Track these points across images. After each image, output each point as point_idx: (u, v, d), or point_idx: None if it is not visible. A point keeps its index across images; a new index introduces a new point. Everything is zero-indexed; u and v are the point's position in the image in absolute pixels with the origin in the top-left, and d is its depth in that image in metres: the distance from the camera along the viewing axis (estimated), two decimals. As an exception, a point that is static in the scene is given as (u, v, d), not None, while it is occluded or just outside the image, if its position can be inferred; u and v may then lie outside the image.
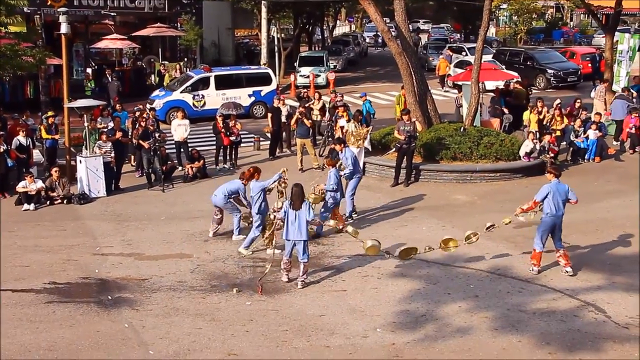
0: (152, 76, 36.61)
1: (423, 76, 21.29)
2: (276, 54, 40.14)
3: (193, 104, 28.86)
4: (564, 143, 21.26)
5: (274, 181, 14.01)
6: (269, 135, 23.11)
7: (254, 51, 48.44)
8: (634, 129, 21.38)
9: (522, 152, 19.36)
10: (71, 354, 9.93)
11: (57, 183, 18.12)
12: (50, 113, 21.50)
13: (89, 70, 34.25)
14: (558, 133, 20.42)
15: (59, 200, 17.96)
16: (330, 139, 21.85)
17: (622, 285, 11.87)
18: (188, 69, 35.98)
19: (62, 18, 19.68)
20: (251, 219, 14.28)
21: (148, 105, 26.35)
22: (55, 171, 18.26)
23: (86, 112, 19.18)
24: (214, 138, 21.72)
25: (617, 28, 28.87)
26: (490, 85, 30.41)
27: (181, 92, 29.13)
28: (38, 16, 32.61)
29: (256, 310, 11.22)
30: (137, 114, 21.77)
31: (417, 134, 18.43)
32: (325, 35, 59.76)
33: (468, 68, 26.86)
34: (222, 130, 21.08)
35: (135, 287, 12.30)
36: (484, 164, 18.98)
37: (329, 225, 14.06)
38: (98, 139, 19.17)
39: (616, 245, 13.77)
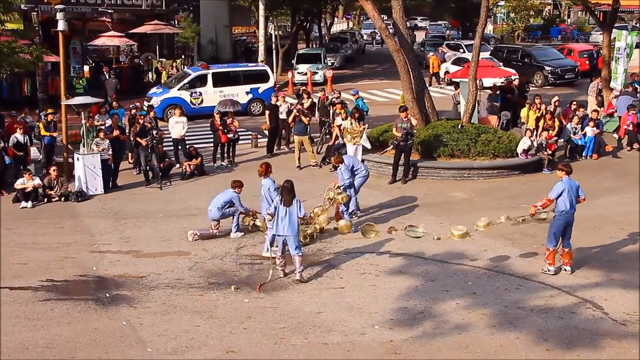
0: (150, 74, 36.56)
1: (421, 73, 21.29)
2: (274, 51, 40.11)
3: (190, 102, 28.84)
4: (562, 140, 21.29)
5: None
6: (266, 132, 23.10)
7: (251, 48, 48.40)
8: (631, 125, 21.41)
9: (519, 149, 19.37)
10: (69, 351, 9.92)
11: (55, 181, 18.10)
12: (49, 110, 21.48)
13: (86, 68, 34.22)
14: (552, 133, 20.38)
15: (57, 198, 17.94)
16: (327, 136, 21.86)
17: (619, 282, 11.89)
18: (185, 67, 35.94)
19: (59, 15, 19.64)
20: (251, 220, 14.33)
21: (146, 103, 26.33)
22: (54, 170, 18.24)
23: (84, 110, 19.14)
24: (212, 135, 21.71)
25: (615, 25, 28.89)
26: (487, 82, 30.42)
27: (179, 90, 29.11)
28: (35, 13, 32.56)
29: (254, 308, 11.22)
30: (134, 111, 21.75)
31: (414, 131, 18.41)
32: (323, 33, 59.74)
33: (465, 65, 26.87)
34: (220, 127, 21.06)
35: (133, 284, 12.29)
36: (481, 161, 18.99)
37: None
38: (96, 136, 19.14)
39: (614, 242, 13.78)
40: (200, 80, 29.54)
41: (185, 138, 21.25)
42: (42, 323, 10.79)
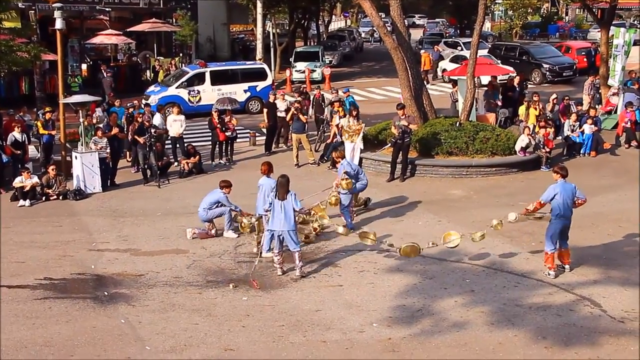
0: (148, 72, 36.54)
1: (419, 71, 21.32)
2: (272, 49, 40.11)
3: (188, 100, 28.84)
4: (560, 138, 21.31)
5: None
6: (264, 130, 23.10)
7: (249, 46, 48.40)
8: (629, 123, 21.43)
9: (517, 147, 19.38)
10: (67, 349, 9.92)
11: (53, 180, 18.09)
12: (47, 109, 21.46)
13: (84, 66, 34.21)
14: (549, 130, 20.36)
15: (55, 196, 17.93)
16: (325, 133, 21.88)
17: (617, 279, 11.90)
18: (183, 65, 35.93)
19: (57, 13, 19.62)
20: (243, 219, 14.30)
21: (143, 101, 26.32)
22: (52, 169, 18.23)
23: (82, 108, 19.13)
24: (210, 133, 21.70)
25: (613, 22, 28.87)
26: (485, 80, 30.41)
27: (176, 88, 29.12)
28: (33, 12, 32.55)
29: (252, 306, 11.22)
30: (131, 110, 21.75)
31: (409, 129, 18.28)
32: (321, 30, 59.73)
33: (463, 63, 26.88)
34: (218, 125, 21.07)
35: (131, 282, 12.29)
36: (479, 159, 19.00)
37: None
38: (94, 134, 19.14)
39: (612, 239, 13.80)
40: (198, 79, 29.56)
41: (184, 136, 21.25)
42: (40, 321, 10.79)
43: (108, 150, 18.95)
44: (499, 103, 23.80)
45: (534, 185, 17.48)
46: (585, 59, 36.84)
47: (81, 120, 18.94)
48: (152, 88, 30.30)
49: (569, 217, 11.86)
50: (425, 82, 34.96)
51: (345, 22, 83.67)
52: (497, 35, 58.90)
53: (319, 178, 18.02)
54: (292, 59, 39.99)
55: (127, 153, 21.25)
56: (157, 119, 21.21)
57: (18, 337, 10.24)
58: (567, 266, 12.16)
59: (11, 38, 22.02)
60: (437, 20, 74.37)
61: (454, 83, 25.06)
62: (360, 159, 19.16)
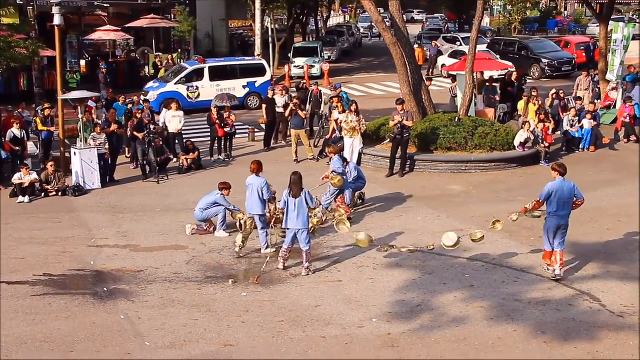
0: (147, 68, 36.50)
1: (417, 66, 21.27)
2: (270, 45, 40.05)
3: (187, 96, 28.80)
4: (559, 132, 21.31)
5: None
6: (263, 126, 23.08)
7: (248, 42, 48.35)
8: (628, 118, 21.44)
9: (516, 142, 19.37)
10: (67, 345, 9.92)
11: (52, 176, 18.08)
12: (46, 105, 21.43)
13: (82, 62, 34.15)
14: (548, 125, 20.35)
15: (54, 193, 17.93)
16: (323, 129, 21.88)
17: (616, 274, 11.91)
18: (182, 61, 35.88)
19: (55, 9, 19.59)
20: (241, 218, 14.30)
21: (142, 97, 26.30)
22: (51, 165, 18.23)
23: (80, 104, 19.11)
24: (209, 129, 21.69)
25: (612, 17, 28.86)
26: (485, 75, 30.38)
27: (175, 84, 29.08)
28: (31, 8, 32.40)
29: (252, 301, 11.23)
30: (130, 106, 21.73)
31: (404, 122, 18.16)
32: (320, 26, 59.64)
33: (462, 58, 26.86)
34: (217, 121, 21.05)
35: (131, 278, 12.29)
36: (478, 154, 18.99)
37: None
38: (92, 131, 19.12)
39: (611, 234, 13.81)
40: (197, 75, 29.54)
41: (182, 132, 21.23)
42: (40, 317, 10.79)
43: (107, 147, 18.94)
44: (497, 98, 23.80)
45: (533, 181, 17.49)
46: (584, 54, 36.80)
47: (80, 116, 18.92)
48: (150, 84, 30.27)
49: (565, 217, 11.49)
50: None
51: (344, 17, 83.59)
52: (496, 30, 58.87)
53: (318, 174, 17.95)
54: (290, 55, 39.95)
55: (126, 149, 21.24)
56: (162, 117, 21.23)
57: (18, 334, 10.25)
58: (558, 270, 11.61)
59: (9, 34, 21.96)
60: (436, 15, 74.32)
61: (453, 78, 25.04)
62: (360, 155, 19.16)
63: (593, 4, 30.16)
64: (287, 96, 22.94)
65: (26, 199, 17.46)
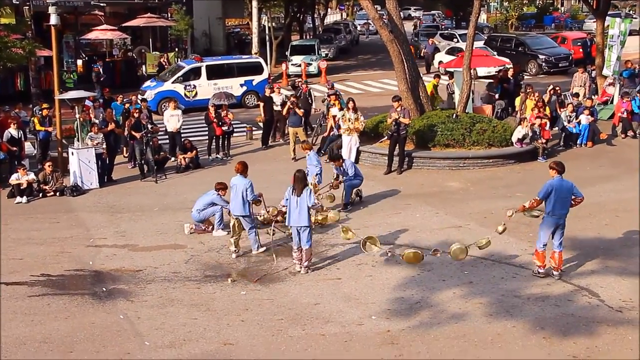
0: (144, 67, 36.47)
1: (414, 63, 21.26)
2: (267, 43, 40.03)
3: (185, 95, 28.79)
4: (556, 128, 21.32)
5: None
6: (261, 124, 23.07)
7: (245, 40, 48.30)
8: (625, 113, 21.45)
9: (514, 138, 19.38)
10: (66, 346, 9.92)
11: (50, 177, 18.07)
12: (44, 105, 21.41)
13: (79, 62, 34.09)
14: (545, 121, 20.38)
15: (52, 193, 17.91)
16: (321, 127, 21.87)
17: (615, 269, 11.92)
18: (179, 59, 35.85)
19: (51, 9, 19.57)
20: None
21: (139, 96, 26.29)
22: (49, 165, 18.21)
23: (77, 104, 19.09)
24: (206, 128, 21.67)
25: (608, 13, 28.86)
26: (482, 71, 30.42)
27: (172, 83, 29.06)
28: (27, 7, 32.37)
29: (251, 300, 11.23)
30: (127, 105, 21.71)
31: (400, 119, 18.15)
32: (317, 24, 59.61)
33: (459, 55, 26.86)
34: (214, 120, 21.04)
35: (129, 278, 12.29)
36: (476, 151, 19.00)
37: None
38: (90, 130, 19.10)
39: (609, 229, 13.82)
40: (194, 73, 29.53)
41: (181, 131, 21.20)
42: (39, 318, 10.78)
43: (104, 146, 18.93)
44: (497, 96, 23.81)
45: (531, 177, 17.51)
46: (581, 50, 36.85)
47: (77, 116, 18.90)
48: (148, 83, 30.26)
49: (562, 216, 11.32)
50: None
51: (341, 15, 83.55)
52: (493, 26, 58.87)
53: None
54: (288, 53, 39.92)
55: (124, 149, 21.22)
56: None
57: (17, 334, 10.24)
58: (555, 273, 11.52)
59: (6, 34, 21.94)
60: (432, 12, 74.33)
61: (450, 75, 25.03)
62: (358, 152, 19.16)
63: (589, 0, 30.08)
64: (283, 95, 22.92)
65: (24, 199, 17.44)
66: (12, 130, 19.38)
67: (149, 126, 19.60)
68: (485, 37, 41.77)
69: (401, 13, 22.45)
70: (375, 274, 12.06)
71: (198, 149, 20.70)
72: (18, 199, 17.45)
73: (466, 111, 20.77)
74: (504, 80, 24.77)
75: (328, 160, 19.02)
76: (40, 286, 12.05)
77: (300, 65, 36.96)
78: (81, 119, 18.98)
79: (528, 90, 21.85)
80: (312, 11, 56.45)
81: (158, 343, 9.92)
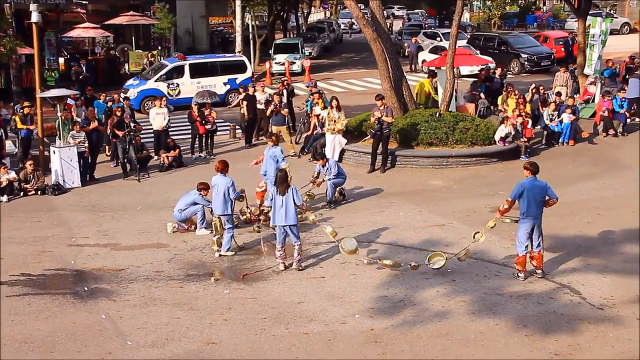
0: (126, 65, 36.28)
1: (398, 62, 21.30)
2: (251, 42, 39.94)
3: (168, 93, 28.65)
4: (539, 127, 21.44)
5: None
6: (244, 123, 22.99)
7: (228, 39, 48.16)
8: (606, 111, 21.61)
9: (497, 137, 19.46)
10: (47, 346, 9.84)
11: (31, 175, 17.93)
12: (25, 103, 21.23)
13: (61, 60, 33.88)
14: (527, 119, 20.48)
15: (33, 192, 17.77)
16: (305, 125, 21.85)
17: (596, 266, 12.00)
18: (162, 58, 35.69)
19: (32, 7, 19.40)
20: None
21: (122, 95, 26.15)
22: (30, 164, 18.06)
23: (59, 102, 18.95)
24: (189, 127, 21.59)
25: (589, 12, 29.05)
26: (465, 70, 30.51)
27: (155, 81, 28.92)
28: (8, 5, 32.11)
29: (234, 299, 11.20)
30: (109, 104, 21.58)
31: (383, 118, 18.16)
32: (300, 22, 59.55)
33: (443, 53, 26.93)
34: (198, 118, 20.96)
35: (112, 277, 12.22)
36: (459, 149, 19.05)
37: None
38: (71, 129, 18.97)
39: (590, 227, 13.90)
40: (177, 72, 29.41)
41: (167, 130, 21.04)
42: (19, 318, 10.69)
43: (86, 145, 18.80)
44: (482, 95, 23.90)
45: (514, 175, 17.53)
46: (563, 49, 37.04)
47: (59, 114, 18.75)
48: (130, 81, 30.10)
49: (537, 217, 11.27)
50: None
51: (325, 13, 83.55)
52: (475, 25, 59.05)
53: (300, 170, 17.95)
54: (271, 51, 39.86)
55: (107, 147, 21.09)
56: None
57: (-3, 334, 10.15)
58: (538, 271, 11.54)
59: (-14, 32, 21.75)
60: (416, 11, 74.49)
61: (433, 74, 25.06)
62: (342, 150, 19.17)
63: (571, 0, 30.29)
64: (267, 93, 22.87)
65: (4, 198, 17.29)
66: (-7, 129, 19.21)
67: (132, 125, 19.50)
68: (468, 36, 41.86)
69: (384, 12, 22.47)
70: (358, 273, 12.06)
71: (181, 148, 20.61)
72: (-1, 198, 17.31)
73: (449, 110, 20.83)
74: (487, 79, 24.88)
75: (312, 159, 19.09)
76: (21, 286, 11.95)
77: (283, 64, 36.92)
78: (63, 117, 18.84)
79: (509, 89, 21.96)
80: (295, 10, 56.40)
81: (140, 342, 9.87)
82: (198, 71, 29.61)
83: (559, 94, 23.37)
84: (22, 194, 17.68)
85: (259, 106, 22.28)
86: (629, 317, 10.16)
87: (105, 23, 37.34)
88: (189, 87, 28.73)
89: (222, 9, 50.71)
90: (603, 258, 12.36)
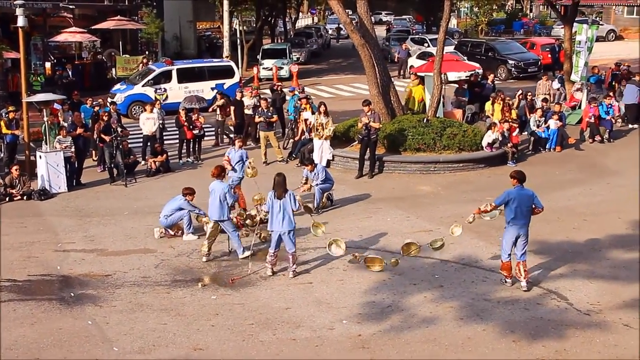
0: (113, 70, 36.15)
1: (386, 68, 21.35)
2: (239, 47, 39.92)
3: (155, 98, 28.53)
4: (525, 133, 21.53)
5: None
6: (232, 128, 22.96)
7: (216, 44, 48.13)
8: (593, 118, 21.74)
9: (484, 143, 19.52)
10: (33, 352, 9.76)
11: (17, 180, 17.81)
12: (11, 108, 21.09)
13: (47, 65, 33.69)
14: (514, 126, 20.58)
15: (19, 197, 17.65)
16: (292, 131, 21.83)
17: (583, 272, 12.05)
18: (150, 62, 35.57)
19: (18, 11, 19.28)
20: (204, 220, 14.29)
21: (109, 100, 26.03)
22: (16, 169, 17.94)
23: (45, 107, 18.84)
24: (177, 132, 21.53)
25: (576, 19, 29.24)
26: (452, 76, 30.59)
27: (143, 86, 28.82)
28: (-6, 9, 31.96)
29: (222, 304, 11.16)
30: (96, 108, 21.48)
31: (370, 124, 18.18)
32: (288, 28, 59.59)
33: (430, 59, 27.01)
34: (185, 124, 20.91)
35: (98, 283, 12.14)
36: (447, 155, 19.11)
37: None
38: (58, 133, 18.86)
39: (577, 233, 13.97)
40: (165, 77, 29.31)
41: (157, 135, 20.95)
42: (4, 324, 10.59)
43: (73, 150, 18.70)
44: (466, 99, 24.00)
45: (501, 181, 17.60)
46: (549, 55, 37.24)
47: (45, 119, 18.65)
48: (118, 86, 29.98)
49: (524, 225, 11.20)
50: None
51: (313, 19, 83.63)
52: (463, 32, 59.33)
53: (288, 175, 17.90)
54: (259, 57, 39.86)
55: (93, 152, 20.99)
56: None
57: (-18, 341, 10.06)
58: (523, 282, 11.34)
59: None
60: (404, 17, 74.72)
61: (421, 79, 25.13)
62: (331, 157, 19.18)
63: (557, 6, 30.50)
64: (255, 98, 22.84)
65: (-10, 203, 17.17)
66: (-22, 133, 19.06)
67: (119, 129, 19.42)
68: (456, 42, 42.07)
69: (372, 17, 22.53)
70: (346, 278, 12.06)
71: (169, 153, 20.53)
72: (-16, 203, 17.17)
73: (437, 115, 20.88)
74: (477, 85, 24.97)
75: (299, 165, 19.07)
76: (6, 292, 11.85)
77: (271, 69, 36.92)
78: (49, 122, 18.73)
79: (498, 96, 22.02)
80: (283, 15, 56.42)
81: (127, 349, 9.81)
82: (185, 76, 29.54)
83: (545, 100, 23.50)
84: (7, 199, 17.55)
85: (246, 111, 22.24)
86: (615, 322, 10.22)
87: (93, 27, 37.18)
88: (176, 92, 28.64)
89: (210, 14, 50.66)
90: (590, 264, 12.42)
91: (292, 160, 20.54)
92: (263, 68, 37.82)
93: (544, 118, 21.22)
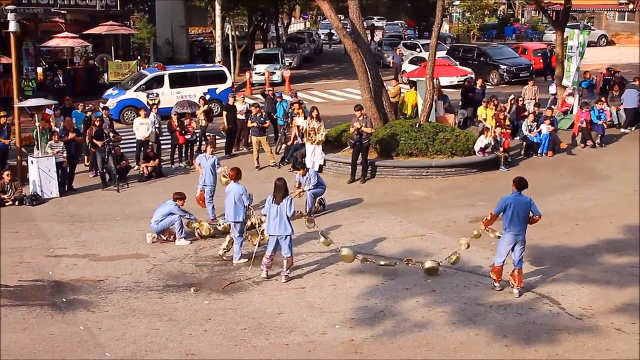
0: (105, 75, 36.09)
1: (378, 72, 21.38)
2: (231, 52, 39.91)
3: (147, 103, 28.49)
4: (517, 137, 21.59)
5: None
6: (224, 133, 22.95)
7: (208, 49, 48.11)
8: (584, 123, 21.82)
9: (476, 147, 19.58)
10: (25, 358, 9.71)
11: (8, 186, 17.74)
12: (2, 113, 21.00)
13: (39, 70, 33.60)
14: (507, 131, 20.65)
15: (10, 202, 17.58)
16: (284, 136, 21.83)
17: (575, 277, 12.08)
18: (142, 67, 35.54)
19: (10, 16, 19.26)
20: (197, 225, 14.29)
21: (101, 105, 25.98)
22: (7, 174, 17.87)
23: (37, 112, 18.79)
24: (169, 137, 21.50)
25: (567, 24, 29.36)
26: (445, 81, 30.67)
27: (135, 91, 28.78)
28: (-15, 14, 31.86)
29: (214, 309, 11.14)
30: (88, 113, 21.42)
31: (362, 129, 18.19)
32: (280, 33, 59.65)
33: (422, 64, 27.09)
34: (177, 128, 20.89)
35: (90, 288, 12.10)
36: (439, 160, 19.14)
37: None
38: (49, 139, 18.81)
39: (569, 237, 14.00)
40: (157, 82, 29.26)
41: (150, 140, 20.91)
42: (-4, 330, 10.56)
43: (64, 155, 18.65)
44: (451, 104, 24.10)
45: (493, 185, 17.69)
46: (541, 60, 37.37)
47: (37, 124, 18.59)
48: (110, 91, 29.92)
49: (520, 232, 11.13)
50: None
51: (305, 24, 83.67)
52: (455, 37, 59.47)
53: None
54: (251, 62, 39.87)
55: (85, 157, 20.93)
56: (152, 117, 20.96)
57: (-27, 347, 10.01)
58: (515, 290, 11.29)
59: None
60: (395, 22, 74.88)
61: (413, 84, 25.19)
62: (324, 162, 19.18)
63: (549, 12, 30.60)
64: (247, 104, 22.83)
65: (-19, 208, 17.09)
66: (-30, 139, 18.98)
67: (111, 135, 19.38)
68: (448, 47, 42.16)
69: (364, 22, 22.58)
70: (339, 283, 12.05)
71: (161, 158, 20.49)
72: (-25, 208, 17.09)
73: (429, 120, 20.92)
74: (468, 90, 25.04)
75: (292, 169, 19.07)
76: (-2, 297, 11.81)
77: (264, 74, 36.93)
78: (41, 127, 18.67)
79: (490, 101, 22.06)
80: (275, 20, 56.47)
81: (119, 354, 9.78)
82: (178, 81, 29.51)
83: (537, 104, 23.57)
84: (-1, 204, 17.50)
85: (238, 116, 22.23)
86: (608, 327, 10.24)
87: (84, 33, 37.09)
88: (168, 97, 28.57)
89: (202, 19, 50.66)
90: (582, 268, 12.45)
91: (284, 165, 20.54)
92: (255, 73, 37.82)
93: (536, 123, 21.29)
